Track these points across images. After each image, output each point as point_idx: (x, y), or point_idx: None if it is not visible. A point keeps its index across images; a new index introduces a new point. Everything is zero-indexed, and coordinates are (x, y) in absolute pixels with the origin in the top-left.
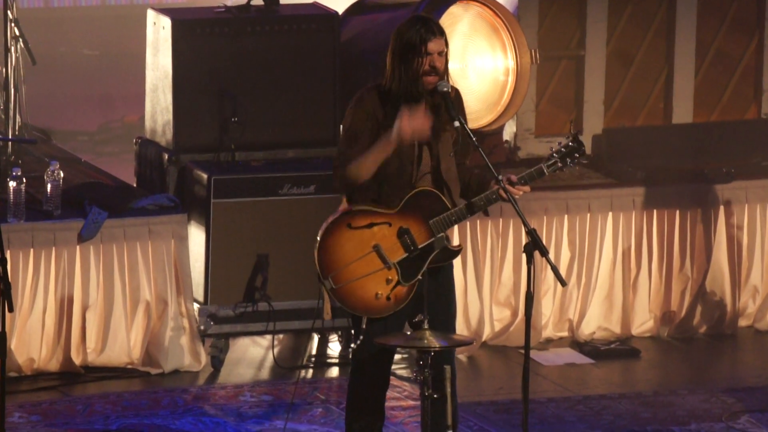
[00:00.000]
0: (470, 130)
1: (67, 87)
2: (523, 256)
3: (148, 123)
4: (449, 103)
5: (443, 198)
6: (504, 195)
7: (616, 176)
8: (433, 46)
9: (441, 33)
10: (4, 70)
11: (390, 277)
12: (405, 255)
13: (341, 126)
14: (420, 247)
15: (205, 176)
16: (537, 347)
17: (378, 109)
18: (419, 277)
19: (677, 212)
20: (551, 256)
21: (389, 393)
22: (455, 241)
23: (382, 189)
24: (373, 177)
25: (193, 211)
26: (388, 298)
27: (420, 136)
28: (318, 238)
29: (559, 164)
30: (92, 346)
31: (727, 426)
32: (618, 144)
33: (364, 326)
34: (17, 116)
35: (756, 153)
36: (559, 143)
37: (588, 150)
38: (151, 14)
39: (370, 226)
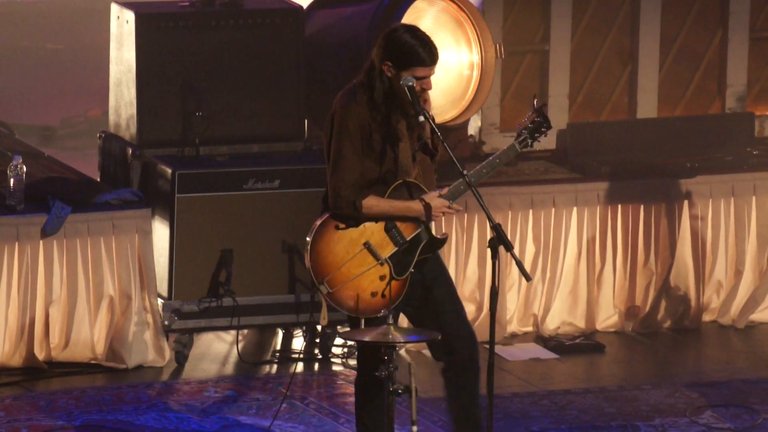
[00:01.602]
0: (436, 124)
1: (30, 81)
2: (488, 251)
3: (111, 117)
4: (414, 98)
5: (423, 188)
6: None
7: (580, 171)
8: (429, 72)
9: (434, 61)
10: None
11: (383, 274)
12: (395, 249)
13: (335, 135)
14: (408, 239)
15: (169, 171)
16: (501, 342)
17: (368, 118)
18: (411, 269)
19: (641, 207)
20: (516, 251)
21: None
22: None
23: (369, 188)
24: (360, 183)
25: (157, 205)
26: (383, 295)
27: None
28: (308, 244)
29: (529, 140)
30: (55, 341)
31: (690, 421)
32: (582, 139)
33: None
34: None
35: (720, 148)
36: (526, 119)
37: (552, 145)
38: (114, 8)
39: (358, 224)
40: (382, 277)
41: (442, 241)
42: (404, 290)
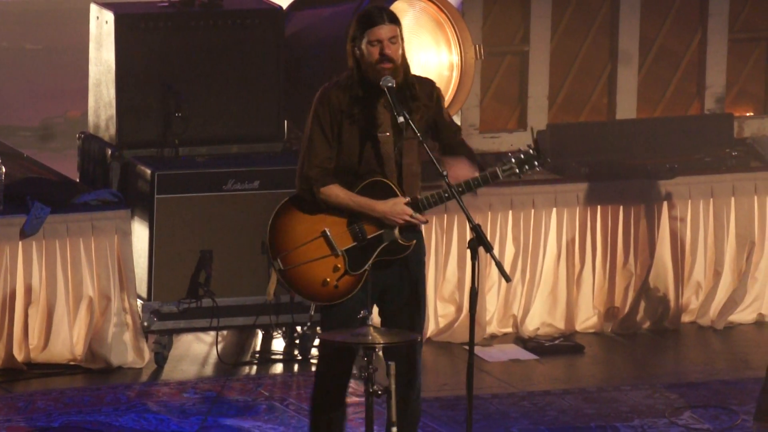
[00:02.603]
0: (414, 126)
1: (9, 82)
2: (468, 252)
3: (91, 118)
4: (393, 99)
5: (396, 190)
6: (449, 191)
7: (560, 172)
8: (382, 32)
9: (392, 19)
10: None
11: (338, 265)
12: (353, 244)
13: (308, 123)
14: (369, 237)
15: (148, 171)
16: (481, 343)
17: (343, 102)
18: (367, 267)
19: (621, 208)
20: (495, 252)
21: None
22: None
23: (342, 180)
24: (335, 170)
25: (137, 206)
26: (335, 286)
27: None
28: (271, 218)
29: (516, 170)
30: (35, 342)
31: (670, 421)
32: (562, 140)
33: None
34: None
35: (699, 149)
36: (519, 149)
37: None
38: (94, 8)
39: (323, 211)
40: (335, 268)
41: (406, 248)
42: (358, 286)
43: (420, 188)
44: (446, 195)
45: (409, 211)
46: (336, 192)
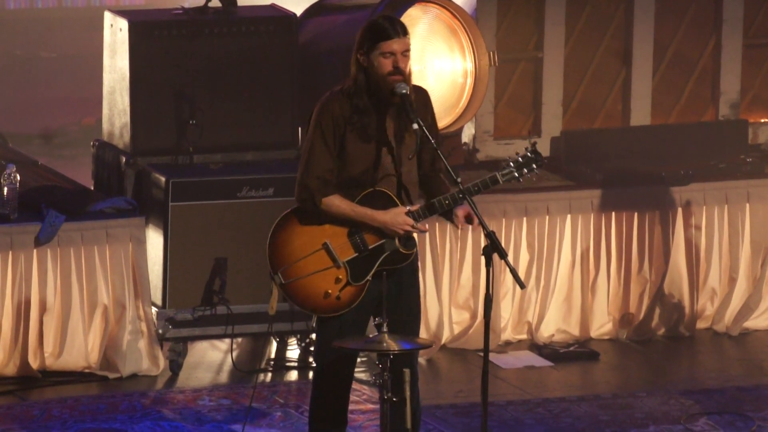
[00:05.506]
0: (429, 132)
1: (23, 89)
2: (482, 258)
3: (105, 126)
4: (408, 105)
5: (396, 200)
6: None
7: (574, 178)
8: (396, 45)
9: (405, 32)
10: None
11: (339, 276)
12: (355, 255)
13: (309, 132)
14: (370, 248)
15: (163, 179)
16: (496, 350)
17: (345, 111)
18: (369, 278)
19: (635, 214)
20: (510, 258)
21: None
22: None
23: (342, 190)
24: (339, 182)
25: (151, 214)
26: (337, 298)
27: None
28: (270, 232)
29: (515, 174)
30: (50, 350)
31: (685, 428)
32: (576, 146)
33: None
34: None
35: (713, 155)
36: (517, 153)
37: (546, 152)
38: (108, 16)
39: (322, 223)
40: (337, 280)
41: (408, 256)
42: (360, 297)
43: (417, 196)
44: (446, 202)
45: (410, 221)
46: (336, 202)
